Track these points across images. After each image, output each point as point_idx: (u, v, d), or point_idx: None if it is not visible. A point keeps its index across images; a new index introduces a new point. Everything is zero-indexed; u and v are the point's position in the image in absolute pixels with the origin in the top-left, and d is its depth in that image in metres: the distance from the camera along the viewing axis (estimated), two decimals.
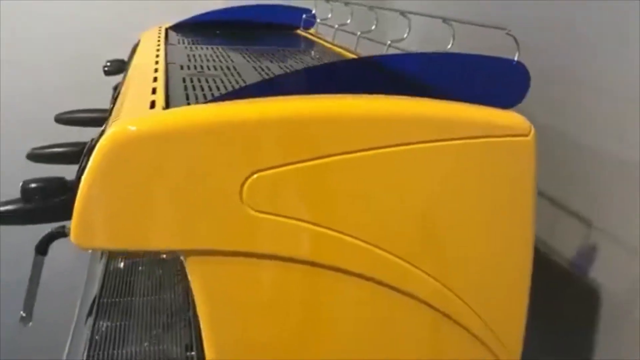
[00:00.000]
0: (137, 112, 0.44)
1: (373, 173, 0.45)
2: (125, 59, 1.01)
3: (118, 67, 0.99)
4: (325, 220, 0.45)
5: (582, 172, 0.65)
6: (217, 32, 1.03)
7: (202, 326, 0.47)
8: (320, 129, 0.43)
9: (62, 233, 0.50)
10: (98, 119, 0.87)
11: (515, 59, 0.49)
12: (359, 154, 0.44)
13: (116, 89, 1.01)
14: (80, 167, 0.45)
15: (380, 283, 0.48)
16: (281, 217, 0.44)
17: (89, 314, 0.62)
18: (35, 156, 0.74)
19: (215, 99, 0.44)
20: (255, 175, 0.43)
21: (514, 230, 0.51)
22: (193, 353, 0.56)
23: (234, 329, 0.47)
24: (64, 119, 0.88)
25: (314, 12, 1.06)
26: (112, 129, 0.41)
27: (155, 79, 0.56)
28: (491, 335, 0.52)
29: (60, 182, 0.46)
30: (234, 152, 0.42)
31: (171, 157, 0.41)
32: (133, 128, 0.41)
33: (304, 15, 1.06)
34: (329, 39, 0.90)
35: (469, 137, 0.47)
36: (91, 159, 0.41)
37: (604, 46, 0.61)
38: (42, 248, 0.49)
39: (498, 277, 0.51)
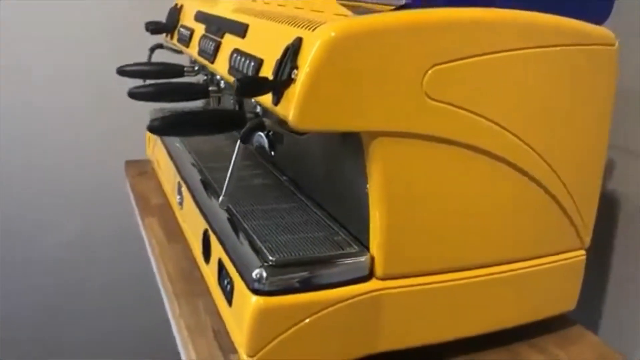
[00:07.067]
0: (338, 20, 0.54)
1: (512, 71, 0.58)
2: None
3: (160, 27, 1.07)
4: (481, 109, 0.57)
5: None
6: None
7: (372, 204, 0.58)
8: (481, 31, 0.56)
9: (262, 125, 0.59)
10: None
11: None
12: (506, 53, 0.57)
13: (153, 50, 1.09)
14: (281, 65, 0.54)
15: (509, 164, 0.61)
16: (450, 105, 0.56)
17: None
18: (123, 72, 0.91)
19: (399, 8, 0.55)
20: (434, 68, 0.54)
21: (596, 121, 0.66)
22: None
23: (403, 205, 0.58)
24: (127, 71, 0.94)
25: None
26: (332, 30, 0.51)
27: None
28: (574, 207, 0.67)
29: None
30: (419, 48, 0.53)
31: (374, 51, 0.52)
32: (350, 28, 0.51)
33: None
34: None
35: (570, 44, 0.61)
36: (312, 53, 0.51)
37: None
38: (246, 137, 0.58)
39: (583, 154, 0.66)
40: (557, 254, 0.68)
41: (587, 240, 0.70)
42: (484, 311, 0.66)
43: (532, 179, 0.62)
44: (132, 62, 0.98)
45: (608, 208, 0.83)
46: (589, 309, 0.84)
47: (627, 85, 0.77)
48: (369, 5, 0.62)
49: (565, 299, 0.72)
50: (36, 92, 1.41)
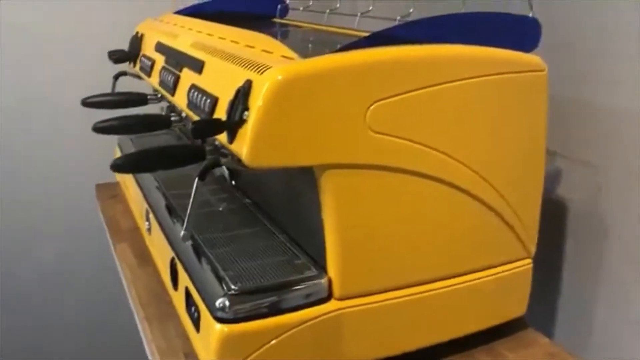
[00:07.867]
0: (285, 63, 0.57)
1: (448, 102, 0.63)
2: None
3: (123, 56, 1.10)
4: (421, 137, 0.61)
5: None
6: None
7: (327, 230, 0.62)
8: (417, 67, 0.60)
9: (218, 163, 0.62)
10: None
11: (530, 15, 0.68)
12: (442, 86, 0.61)
13: (117, 77, 1.12)
14: (233, 107, 0.57)
15: (451, 185, 0.65)
16: (392, 136, 0.60)
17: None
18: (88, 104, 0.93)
19: (339, 50, 0.59)
20: (375, 104, 0.58)
21: (532, 140, 0.71)
22: None
23: (355, 230, 0.62)
24: (91, 103, 0.96)
25: (287, 1, 1.22)
26: (279, 73, 0.54)
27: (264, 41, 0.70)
28: (517, 221, 0.72)
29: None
30: (360, 87, 0.57)
31: (319, 92, 0.56)
32: (295, 71, 0.55)
33: (279, 5, 1.21)
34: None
35: (503, 72, 0.66)
36: (260, 96, 0.54)
37: None
38: (202, 175, 0.61)
39: (522, 170, 0.71)
40: (505, 264, 0.73)
41: (532, 249, 0.75)
42: (439, 322, 0.70)
43: (475, 197, 0.67)
44: (105, 83, 1.03)
45: (557, 214, 0.89)
46: (541, 312, 0.89)
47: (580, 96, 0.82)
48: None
49: (516, 305, 0.76)
50: (5, 116, 1.43)
